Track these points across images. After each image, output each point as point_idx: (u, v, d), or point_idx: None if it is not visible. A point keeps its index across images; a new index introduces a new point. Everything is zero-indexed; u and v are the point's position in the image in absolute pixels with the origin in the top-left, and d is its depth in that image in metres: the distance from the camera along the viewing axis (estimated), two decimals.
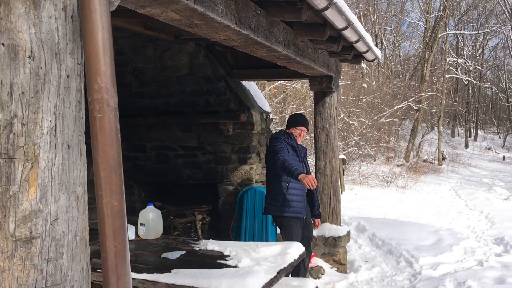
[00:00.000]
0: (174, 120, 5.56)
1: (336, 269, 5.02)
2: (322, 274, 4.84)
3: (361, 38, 4.06)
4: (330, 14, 3.20)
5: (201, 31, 2.64)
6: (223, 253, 3.39)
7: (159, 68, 5.64)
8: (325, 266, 4.97)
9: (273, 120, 13.15)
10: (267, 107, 5.90)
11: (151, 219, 3.99)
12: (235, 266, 3.05)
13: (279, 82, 12.88)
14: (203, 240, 3.83)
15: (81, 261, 1.36)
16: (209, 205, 5.62)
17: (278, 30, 3.31)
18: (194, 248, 3.63)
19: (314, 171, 5.40)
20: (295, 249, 3.28)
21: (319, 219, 4.65)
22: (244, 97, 5.47)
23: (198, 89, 5.51)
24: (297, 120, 4.31)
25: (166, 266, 3.10)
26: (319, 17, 3.32)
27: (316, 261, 4.94)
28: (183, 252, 3.46)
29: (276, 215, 4.17)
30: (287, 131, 4.27)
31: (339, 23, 3.45)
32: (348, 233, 5.23)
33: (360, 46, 4.34)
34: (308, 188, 3.59)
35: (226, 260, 3.21)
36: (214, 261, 3.23)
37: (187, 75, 5.54)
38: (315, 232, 5.16)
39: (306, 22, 3.51)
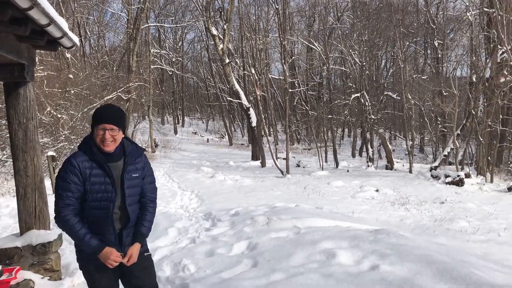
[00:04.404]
0: None
1: (48, 278, 4.52)
2: None
3: (52, 21, 3.68)
4: None
5: None
6: None
7: None
8: (35, 277, 4.42)
9: None
10: None
11: None
12: None
13: None
14: None
15: None
16: None
17: None
18: None
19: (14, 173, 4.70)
20: None
21: (136, 245, 2.81)
22: None
23: None
24: (94, 116, 2.70)
25: None
26: None
27: (23, 274, 4.33)
28: None
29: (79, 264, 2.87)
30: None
31: (22, 2, 3.02)
32: (60, 236, 4.78)
33: (53, 31, 3.94)
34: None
35: None
36: None
37: None
38: (21, 242, 4.51)
39: None
